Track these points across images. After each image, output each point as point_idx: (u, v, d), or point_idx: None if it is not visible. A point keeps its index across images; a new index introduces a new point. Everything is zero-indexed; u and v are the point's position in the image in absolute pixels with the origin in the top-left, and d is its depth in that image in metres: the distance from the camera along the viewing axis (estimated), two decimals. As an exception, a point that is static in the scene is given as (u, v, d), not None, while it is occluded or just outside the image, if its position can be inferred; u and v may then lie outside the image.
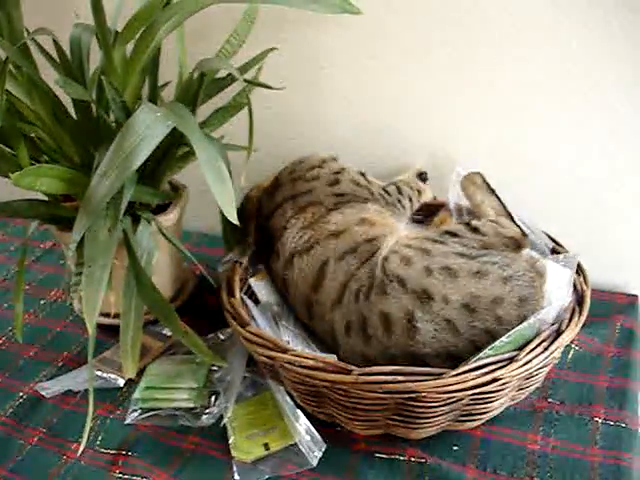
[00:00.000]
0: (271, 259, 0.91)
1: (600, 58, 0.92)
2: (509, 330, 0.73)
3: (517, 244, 0.83)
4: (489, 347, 0.72)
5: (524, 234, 0.85)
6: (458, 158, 1.02)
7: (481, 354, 0.72)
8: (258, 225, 0.95)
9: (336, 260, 0.84)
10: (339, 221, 0.87)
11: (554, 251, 0.89)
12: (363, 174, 0.97)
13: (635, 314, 0.99)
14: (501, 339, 0.72)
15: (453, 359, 0.75)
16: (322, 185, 0.91)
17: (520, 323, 0.74)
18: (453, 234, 0.83)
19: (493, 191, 0.93)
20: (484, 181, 0.94)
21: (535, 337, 0.75)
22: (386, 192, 0.95)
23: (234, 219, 0.70)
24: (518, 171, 1.02)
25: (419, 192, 1.01)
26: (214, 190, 0.69)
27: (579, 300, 0.81)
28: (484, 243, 0.82)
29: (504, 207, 0.91)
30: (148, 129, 0.71)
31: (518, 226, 0.86)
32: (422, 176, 1.05)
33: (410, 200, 0.98)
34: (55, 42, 0.88)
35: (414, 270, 0.78)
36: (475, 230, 0.84)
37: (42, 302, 1.11)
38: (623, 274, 1.04)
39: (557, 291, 0.78)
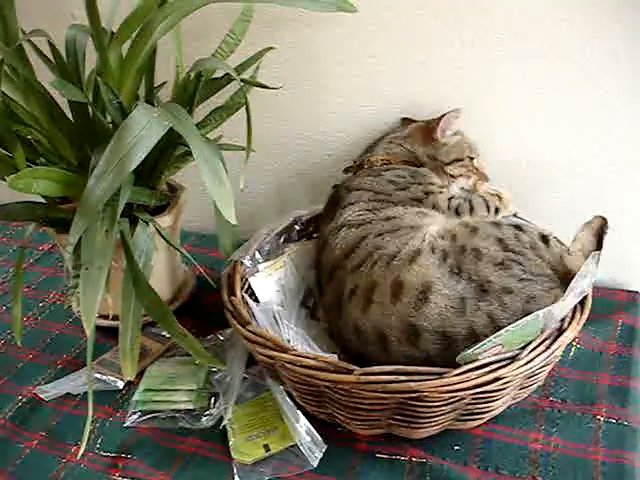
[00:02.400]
0: (324, 221, 0.94)
1: (606, 57, 0.91)
2: (511, 319, 0.74)
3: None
4: (494, 335, 0.71)
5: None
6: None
7: (485, 340, 0.71)
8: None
9: (375, 236, 0.86)
10: (398, 210, 0.90)
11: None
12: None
13: (637, 311, 0.98)
14: (507, 328, 0.71)
15: (446, 339, 0.76)
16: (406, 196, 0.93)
17: (524, 316, 0.73)
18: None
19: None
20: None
21: (538, 335, 0.74)
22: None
23: (232, 219, 0.69)
24: (518, 169, 1.02)
25: (499, 197, 0.95)
26: (211, 191, 0.69)
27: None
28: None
29: None
30: (145, 130, 0.71)
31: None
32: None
33: (487, 208, 0.93)
34: (50, 43, 0.88)
35: (454, 245, 0.82)
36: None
37: (41, 304, 1.11)
38: (624, 271, 1.03)
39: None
